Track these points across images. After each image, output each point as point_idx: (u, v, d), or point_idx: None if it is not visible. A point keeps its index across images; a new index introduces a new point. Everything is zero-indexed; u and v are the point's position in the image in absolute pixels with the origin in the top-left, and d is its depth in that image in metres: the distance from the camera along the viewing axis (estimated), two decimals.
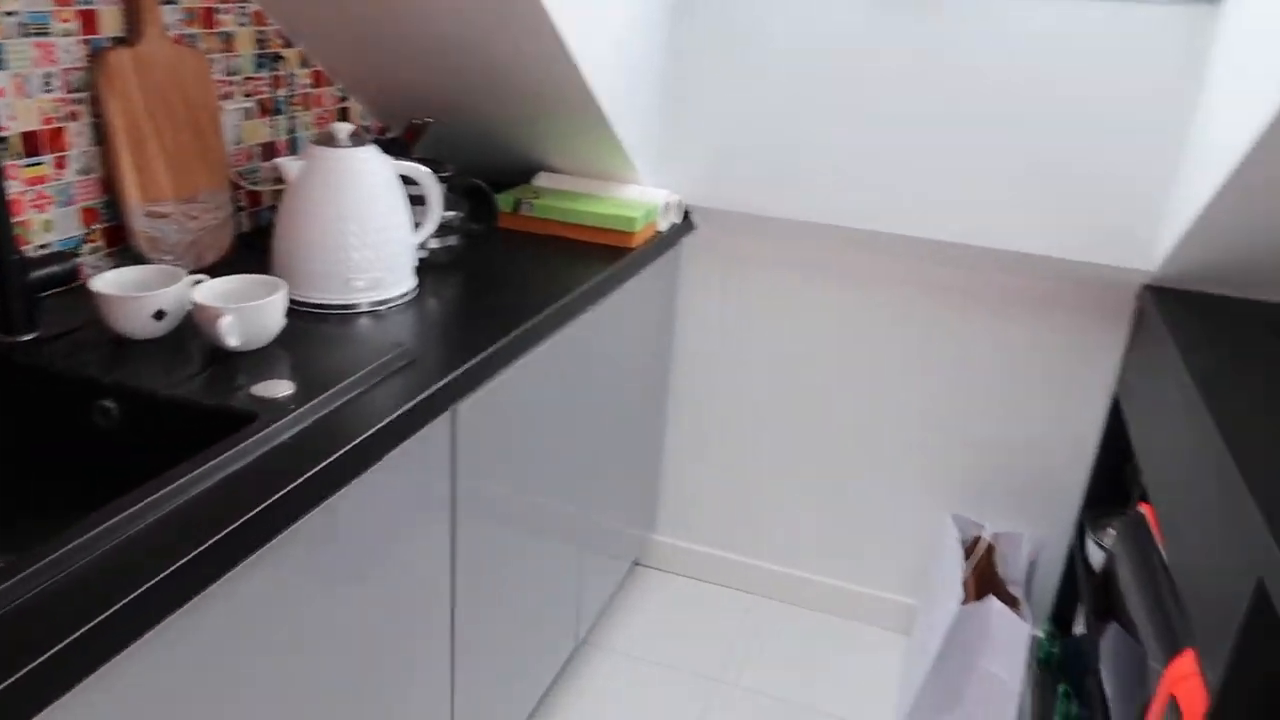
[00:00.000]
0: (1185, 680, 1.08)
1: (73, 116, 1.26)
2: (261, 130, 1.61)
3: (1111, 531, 1.74)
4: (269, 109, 1.62)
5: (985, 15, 1.68)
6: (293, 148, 1.68)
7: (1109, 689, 1.37)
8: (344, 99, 1.81)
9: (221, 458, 0.88)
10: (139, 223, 1.31)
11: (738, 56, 1.85)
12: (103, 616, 0.69)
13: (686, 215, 1.98)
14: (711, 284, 2.05)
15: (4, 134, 1.17)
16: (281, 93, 1.64)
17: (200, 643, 0.83)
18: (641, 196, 1.84)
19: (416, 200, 1.52)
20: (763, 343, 2.05)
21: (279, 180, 1.65)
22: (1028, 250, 1.77)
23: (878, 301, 1.94)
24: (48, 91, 1.22)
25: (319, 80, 1.73)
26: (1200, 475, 1.19)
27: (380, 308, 1.34)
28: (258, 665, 0.91)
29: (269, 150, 1.64)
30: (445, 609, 1.28)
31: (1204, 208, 1.46)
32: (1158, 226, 1.69)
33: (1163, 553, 1.34)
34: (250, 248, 1.52)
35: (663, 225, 1.86)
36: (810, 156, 1.86)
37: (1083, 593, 1.69)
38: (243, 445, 0.90)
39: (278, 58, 1.62)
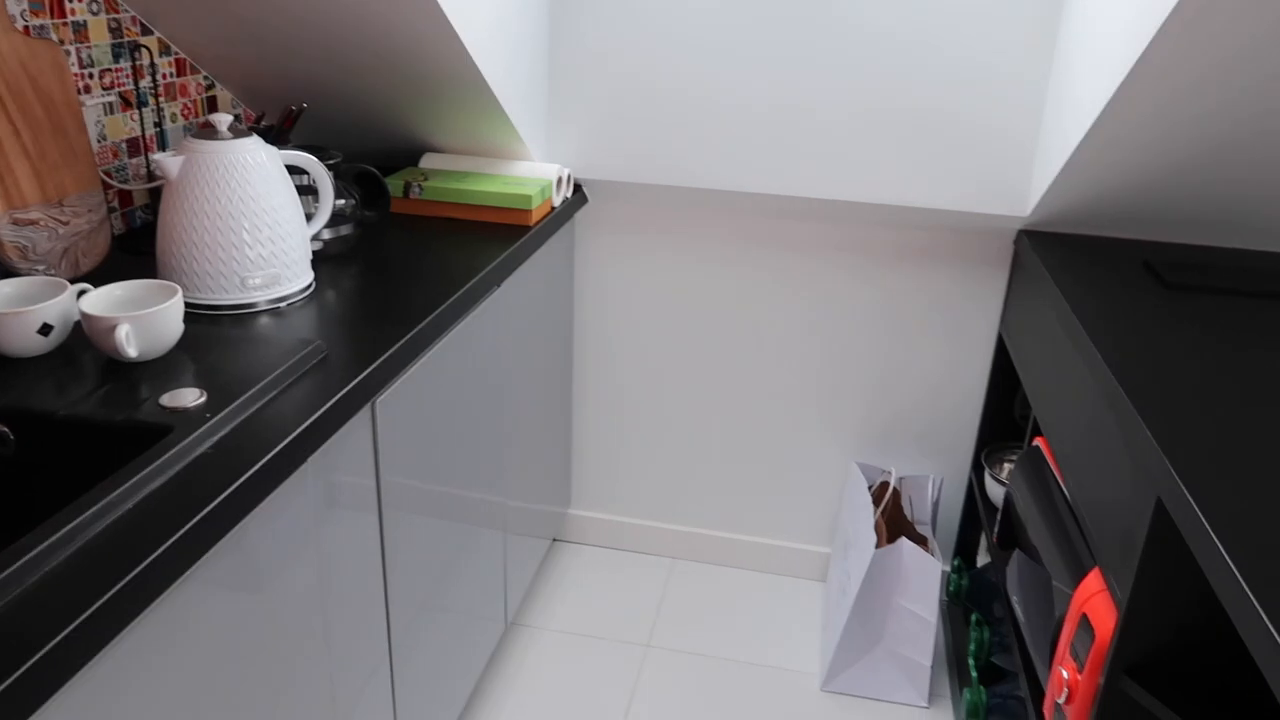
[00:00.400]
0: (1094, 598, 1.15)
1: None
2: (126, 125, 1.51)
3: (1008, 466, 1.84)
4: (131, 102, 1.52)
5: None
6: (161, 142, 1.59)
7: (1020, 613, 1.46)
8: (211, 87, 1.72)
9: (140, 476, 0.83)
10: (4, 232, 1.22)
11: (620, 23, 1.84)
12: (21, 670, 0.64)
13: (578, 188, 1.97)
14: (609, 256, 2.05)
15: None
16: (144, 84, 1.55)
17: (136, 666, 0.79)
18: (533, 172, 1.82)
19: (304, 190, 1.46)
20: (662, 310, 2.07)
21: (152, 178, 1.55)
22: (911, 204, 1.83)
23: (772, 261, 1.98)
24: None
25: (182, 69, 1.64)
26: (1091, 407, 1.27)
27: (280, 305, 1.29)
28: (199, 679, 0.87)
29: (135, 146, 1.54)
30: (380, 605, 1.25)
31: (1069, 156, 1.55)
32: (1029, 175, 1.78)
33: (1060, 482, 1.43)
34: (129, 251, 1.43)
35: (557, 200, 1.84)
36: (696, 123, 1.87)
37: (985, 526, 1.79)
38: (161, 460, 0.85)
39: (136, 46, 1.52)
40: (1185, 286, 1.46)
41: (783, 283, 1.99)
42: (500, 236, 1.64)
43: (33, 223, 1.25)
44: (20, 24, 1.29)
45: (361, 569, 1.19)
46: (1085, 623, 1.15)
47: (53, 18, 1.35)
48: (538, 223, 1.73)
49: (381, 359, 1.13)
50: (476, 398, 1.52)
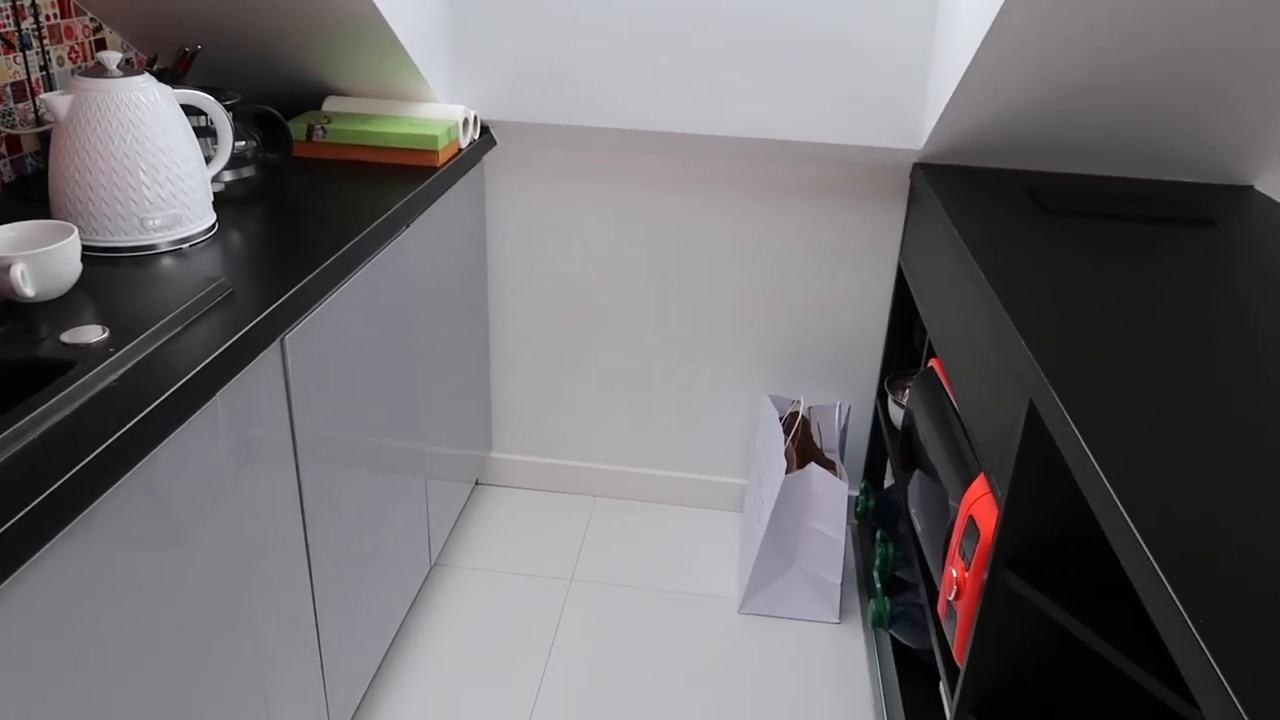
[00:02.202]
0: (979, 500, 1.23)
1: None
2: (10, 68, 1.46)
3: (908, 392, 1.93)
4: (13, 44, 1.47)
5: None
6: (49, 86, 1.54)
7: (919, 526, 1.54)
8: (99, 29, 1.67)
9: (43, 409, 0.83)
10: None
11: None
12: None
13: (486, 130, 1.97)
14: (518, 197, 2.06)
15: None
16: (26, 25, 1.49)
17: (41, 599, 0.80)
18: (439, 114, 1.81)
19: (202, 132, 1.44)
20: (575, 250, 2.09)
21: (41, 122, 1.51)
22: (820, 140, 1.88)
23: (682, 198, 2.02)
24: None
25: (66, 9, 1.59)
26: (977, 324, 1.35)
27: (182, 246, 1.28)
28: (112, 625, 0.89)
29: (21, 90, 1.49)
30: (300, 545, 1.27)
31: (954, 92, 1.61)
32: (921, 111, 1.85)
33: (953, 399, 1.51)
34: (19, 198, 1.40)
35: (464, 142, 1.84)
36: (601, 62, 1.88)
37: (888, 449, 1.87)
38: (64, 394, 0.86)
39: None
40: (1063, 211, 1.54)
41: (693, 219, 2.03)
42: (407, 178, 1.64)
43: None
44: None
45: (279, 510, 1.20)
46: (972, 524, 1.23)
47: None
48: (445, 164, 1.73)
49: (289, 294, 1.13)
50: (390, 339, 1.53)
